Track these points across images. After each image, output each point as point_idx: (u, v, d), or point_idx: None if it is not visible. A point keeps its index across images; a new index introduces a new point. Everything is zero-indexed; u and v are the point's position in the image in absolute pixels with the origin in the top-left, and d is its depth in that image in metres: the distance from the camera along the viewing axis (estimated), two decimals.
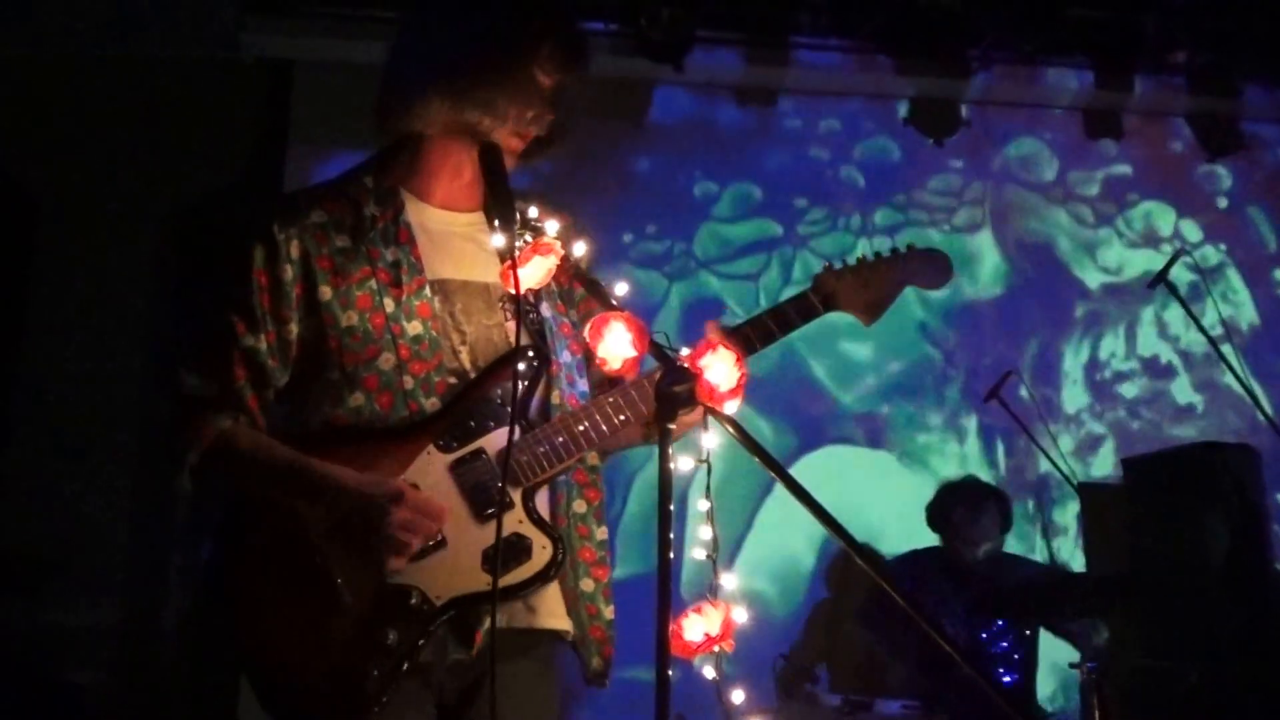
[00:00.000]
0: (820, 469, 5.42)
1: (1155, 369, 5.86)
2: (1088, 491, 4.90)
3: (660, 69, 5.42)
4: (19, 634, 4.29)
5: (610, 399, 2.18)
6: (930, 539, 4.82)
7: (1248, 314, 6.04)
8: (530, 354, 2.17)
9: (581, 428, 2.16)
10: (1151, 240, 6.03)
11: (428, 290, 2.19)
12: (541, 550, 2.10)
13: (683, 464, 2.24)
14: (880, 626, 4.55)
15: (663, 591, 2.08)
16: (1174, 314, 5.79)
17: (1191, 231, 6.10)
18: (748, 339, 2.26)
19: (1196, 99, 5.94)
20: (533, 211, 2.35)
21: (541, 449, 2.14)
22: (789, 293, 2.69)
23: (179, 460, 2.11)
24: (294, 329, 2.14)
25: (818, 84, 5.79)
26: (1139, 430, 5.70)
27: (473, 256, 2.26)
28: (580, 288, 2.35)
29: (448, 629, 2.09)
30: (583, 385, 2.33)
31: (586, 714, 4.51)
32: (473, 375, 2.18)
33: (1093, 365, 5.83)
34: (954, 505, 4.67)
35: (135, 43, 5.09)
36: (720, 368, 2.22)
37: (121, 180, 5.10)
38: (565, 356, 2.30)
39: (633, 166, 5.69)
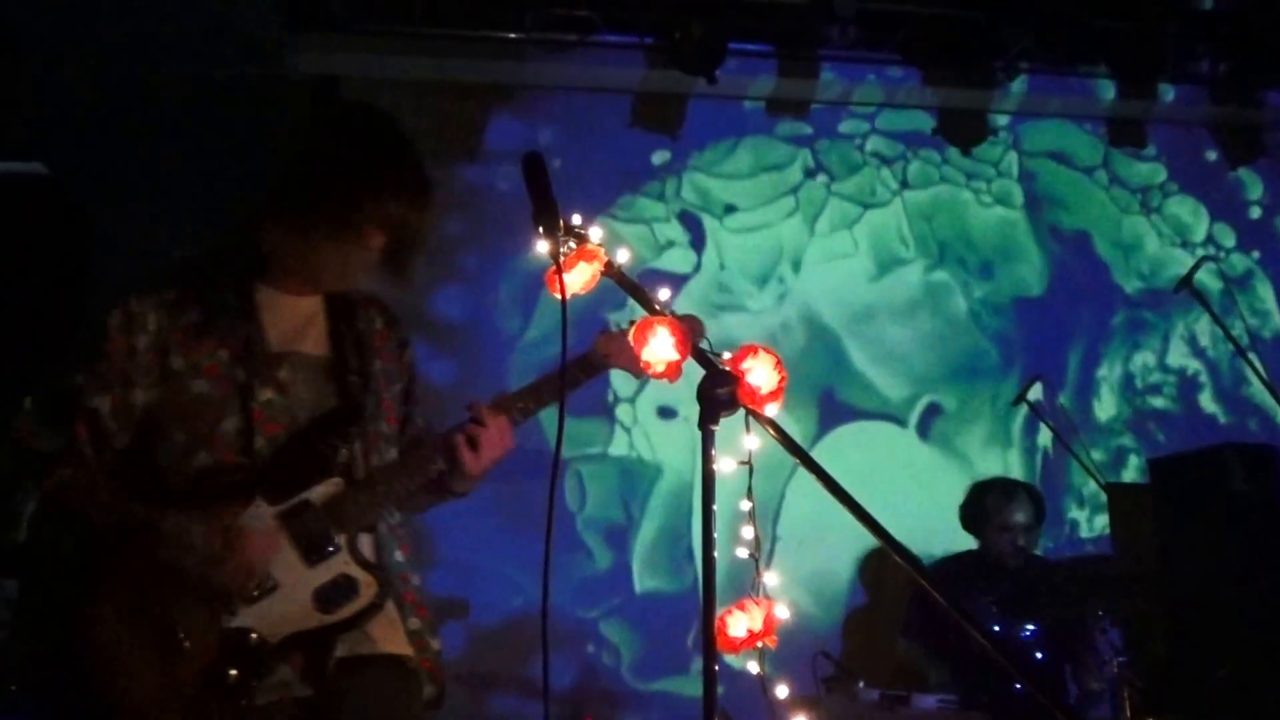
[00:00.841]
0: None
1: (1183, 379, 5.91)
2: (1115, 492, 4.93)
3: (693, 81, 5.51)
4: None
5: (413, 457, 2.46)
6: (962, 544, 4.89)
7: (1273, 323, 6.07)
8: (357, 417, 2.42)
9: (396, 482, 2.41)
10: (1185, 246, 6.07)
11: (277, 362, 2.39)
12: (367, 588, 2.31)
13: (724, 465, 2.33)
14: (922, 633, 4.61)
15: (708, 590, 2.17)
16: (1202, 324, 5.83)
17: (1225, 237, 6.13)
18: (515, 409, 2.50)
19: (1220, 108, 5.98)
20: (576, 218, 2.43)
21: (363, 497, 2.36)
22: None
23: (17, 510, 2.36)
24: (139, 394, 2.32)
25: (847, 96, 5.87)
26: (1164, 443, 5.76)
27: (314, 335, 2.47)
28: (405, 371, 2.62)
29: (293, 668, 2.28)
30: (391, 454, 2.53)
31: None
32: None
33: (1126, 373, 5.89)
34: (986, 497, 4.73)
35: (185, 61, 5.19)
36: (761, 370, 2.30)
37: (175, 197, 5.19)
38: (383, 427, 2.51)
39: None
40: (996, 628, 4.39)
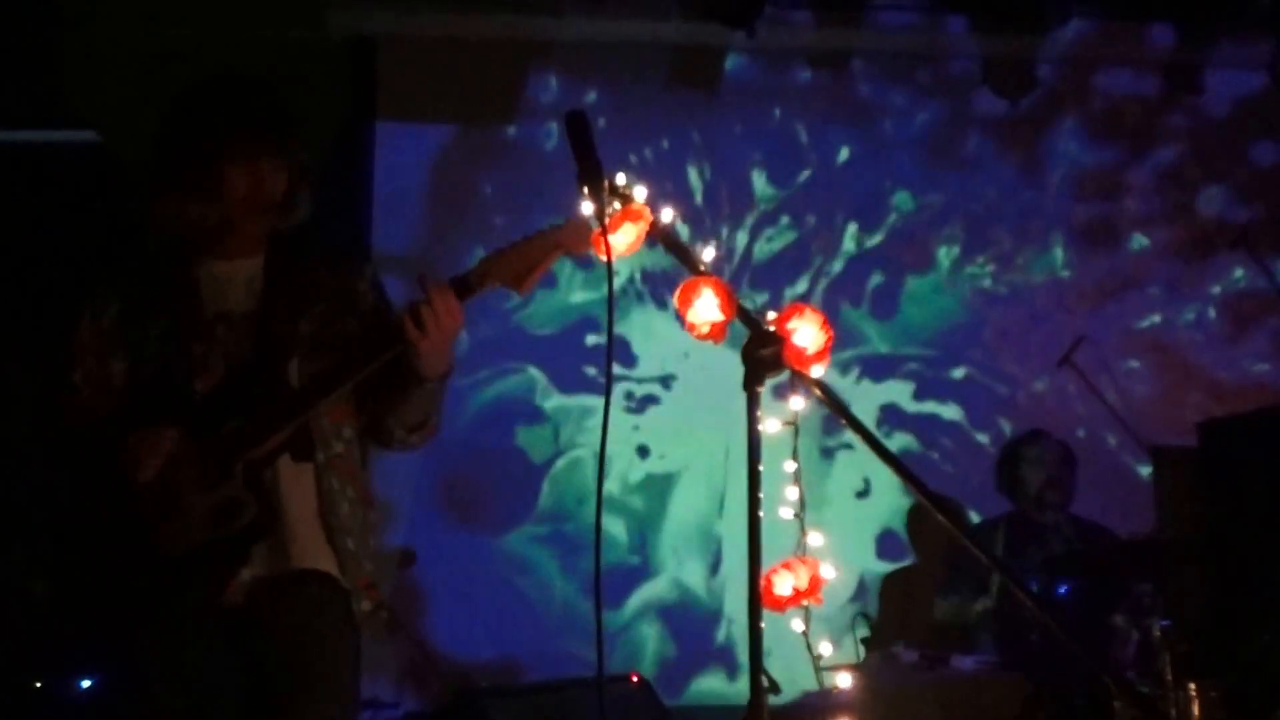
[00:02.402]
0: None
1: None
2: (1160, 454, 4.90)
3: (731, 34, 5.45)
4: None
5: (348, 354, 2.61)
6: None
7: None
8: (265, 359, 2.65)
9: (332, 382, 2.59)
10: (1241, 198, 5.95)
11: (213, 323, 2.68)
12: (248, 508, 2.54)
13: (770, 426, 2.32)
14: (961, 593, 4.61)
15: (752, 548, 2.18)
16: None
17: None
18: (464, 286, 2.59)
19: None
20: (620, 178, 2.42)
21: (267, 428, 2.57)
22: None
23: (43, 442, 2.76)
24: (114, 365, 2.71)
25: (891, 46, 5.79)
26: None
27: (247, 294, 2.72)
28: (365, 302, 2.77)
29: (206, 584, 2.57)
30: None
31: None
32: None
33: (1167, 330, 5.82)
34: (1016, 449, 4.73)
35: (224, 22, 5.19)
36: (807, 330, 2.29)
37: None
38: (324, 364, 2.65)
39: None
40: (1033, 587, 4.37)
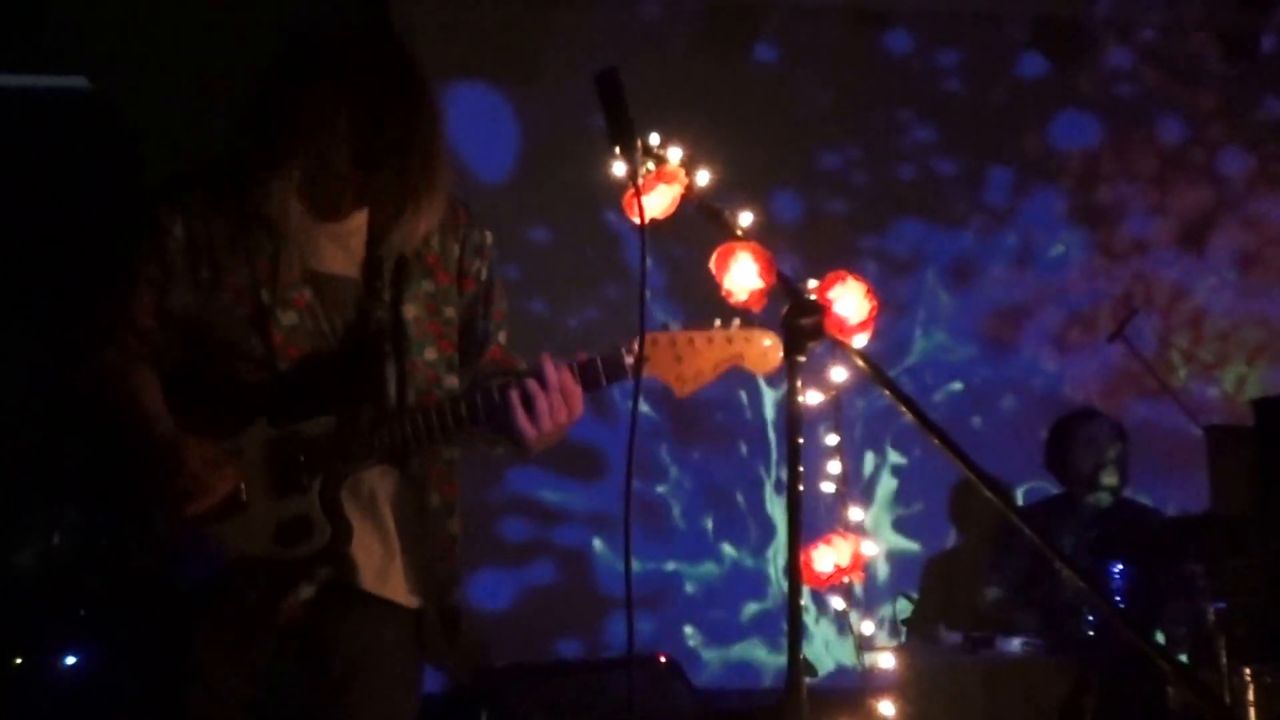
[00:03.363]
0: None
1: None
2: (1215, 434, 4.78)
3: None
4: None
5: (458, 405, 2.26)
6: None
7: None
8: (373, 347, 2.30)
9: (409, 431, 2.25)
10: None
11: (303, 283, 2.30)
12: (320, 535, 2.22)
13: (811, 398, 2.24)
14: (1007, 574, 4.51)
15: (792, 523, 2.10)
16: None
17: None
18: (590, 371, 2.26)
19: None
20: (654, 138, 2.33)
21: (354, 446, 2.24)
22: None
23: (65, 387, 2.33)
24: (177, 297, 2.27)
25: (932, 5, 5.64)
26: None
27: (347, 256, 2.34)
28: (471, 286, 2.43)
29: (255, 593, 2.24)
30: (451, 382, 2.37)
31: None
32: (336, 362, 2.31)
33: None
34: (1066, 426, 4.63)
35: None
36: (850, 300, 2.20)
37: (222, 108, 5.13)
38: (429, 355, 2.35)
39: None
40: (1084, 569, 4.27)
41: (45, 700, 4.13)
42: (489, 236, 2.45)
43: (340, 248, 2.33)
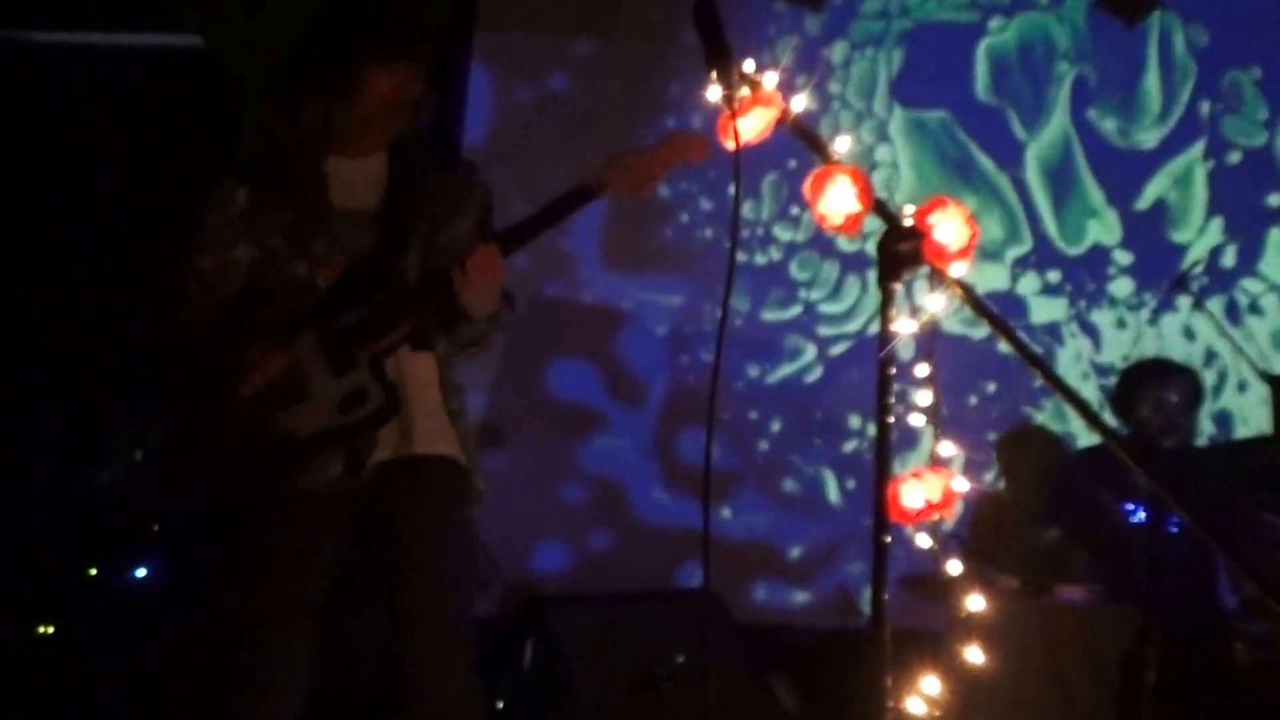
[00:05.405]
0: None
1: None
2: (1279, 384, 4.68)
3: None
4: None
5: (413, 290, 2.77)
6: None
7: None
8: (387, 253, 2.78)
9: (416, 311, 2.76)
10: None
11: (337, 219, 2.80)
12: (375, 396, 2.71)
13: (904, 326, 2.18)
14: (1064, 522, 4.44)
15: (880, 456, 2.06)
16: None
17: None
18: (507, 240, 2.74)
19: None
20: (749, 64, 2.31)
21: (389, 325, 2.73)
22: None
23: (158, 335, 2.87)
24: (240, 252, 2.81)
25: None
26: None
27: (372, 191, 2.84)
28: (476, 211, 2.90)
29: (338, 463, 2.72)
30: None
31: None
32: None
33: None
34: (1140, 371, 4.52)
35: None
36: (950, 225, 2.13)
37: None
38: (442, 264, 2.77)
39: None
40: (1142, 516, 4.20)
41: (114, 609, 4.43)
42: (480, 180, 2.97)
43: (364, 186, 2.83)
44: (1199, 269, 4.87)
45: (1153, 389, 4.44)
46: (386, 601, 2.72)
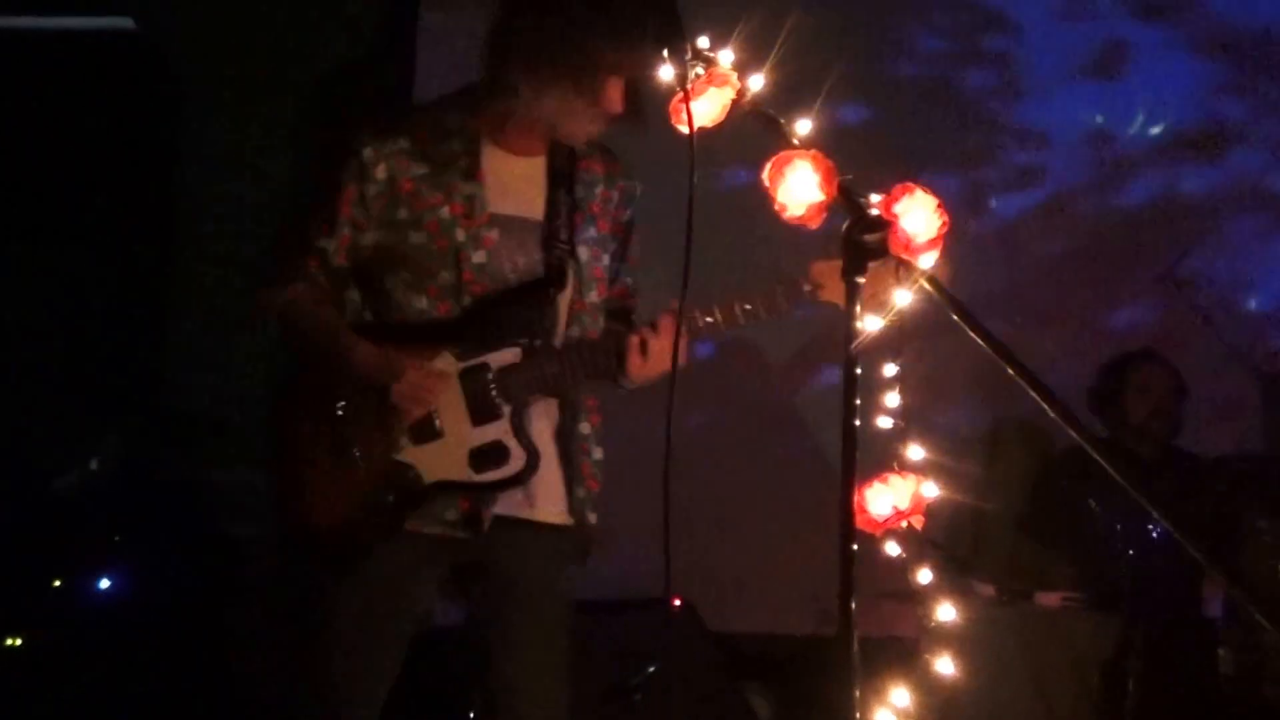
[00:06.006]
0: None
1: None
2: (1272, 381, 4.59)
3: None
4: (181, 488, 4.65)
5: (592, 349, 2.52)
6: None
7: None
8: (552, 283, 2.52)
9: (571, 365, 2.49)
10: None
11: (492, 224, 2.50)
12: (515, 460, 2.45)
13: (870, 324, 2.07)
14: (1045, 527, 4.34)
15: (847, 460, 1.94)
16: None
17: None
18: (707, 328, 2.51)
19: None
20: (703, 41, 2.24)
21: (534, 375, 2.47)
22: None
23: (262, 308, 2.56)
24: (368, 236, 2.50)
25: None
26: None
27: (531, 198, 2.55)
28: (621, 233, 2.66)
29: (457, 511, 2.48)
30: (599, 325, 2.62)
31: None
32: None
33: None
34: (1121, 367, 4.42)
35: None
36: (918, 214, 2.02)
37: (272, 56, 5.00)
38: (591, 298, 2.58)
39: None
40: (1118, 526, 4.10)
41: (80, 622, 4.30)
42: (639, 187, 2.68)
43: (524, 189, 2.54)
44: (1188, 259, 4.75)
45: (1137, 374, 4.35)
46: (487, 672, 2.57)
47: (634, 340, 2.45)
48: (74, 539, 4.39)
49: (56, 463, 4.56)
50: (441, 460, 2.44)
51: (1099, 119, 5.32)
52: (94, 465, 4.55)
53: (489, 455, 2.44)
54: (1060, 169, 5.25)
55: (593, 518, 2.61)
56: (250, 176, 4.95)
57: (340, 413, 2.45)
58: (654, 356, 2.44)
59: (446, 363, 2.44)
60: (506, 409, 2.44)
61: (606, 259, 2.62)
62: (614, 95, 2.46)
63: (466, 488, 2.45)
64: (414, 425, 2.44)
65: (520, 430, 2.45)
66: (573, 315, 2.55)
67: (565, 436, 2.57)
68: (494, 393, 2.44)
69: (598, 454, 2.60)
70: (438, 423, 2.45)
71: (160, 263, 4.98)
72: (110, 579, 4.34)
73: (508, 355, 2.45)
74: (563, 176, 2.55)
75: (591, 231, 2.57)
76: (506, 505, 2.50)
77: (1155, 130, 5.30)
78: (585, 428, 2.59)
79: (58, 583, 4.33)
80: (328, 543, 2.48)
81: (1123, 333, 5.06)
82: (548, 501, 2.55)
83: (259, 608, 4.43)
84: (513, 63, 2.45)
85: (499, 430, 2.44)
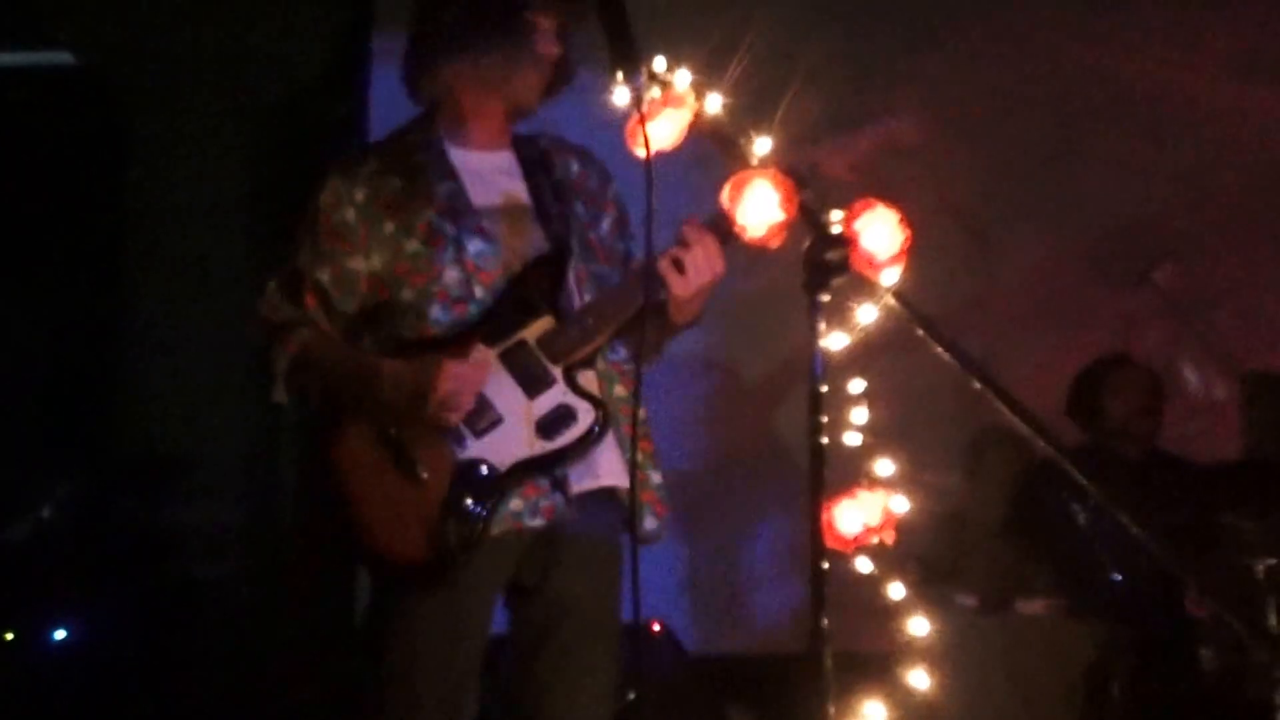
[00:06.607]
0: None
1: None
2: (1256, 381, 4.59)
3: None
4: (143, 531, 4.57)
5: (616, 289, 2.45)
6: None
7: None
8: (561, 253, 2.47)
9: (605, 313, 2.41)
10: None
11: (481, 214, 2.46)
12: (585, 414, 2.35)
13: (835, 341, 2.06)
14: (1026, 534, 4.32)
15: (814, 479, 1.95)
16: None
17: None
18: (724, 228, 2.34)
19: None
20: (659, 63, 2.26)
21: (574, 331, 2.39)
22: None
23: (272, 375, 2.46)
24: (358, 262, 2.45)
25: None
26: None
27: (512, 186, 2.52)
28: (611, 210, 2.59)
29: (524, 499, 2.36)
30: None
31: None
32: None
33: None
34: (1100, 372, 4.39)
35: None
36: (879, 230, 2.02)
37: (219, 86, 4.94)
38: (594, 266, 2.53)
39: None
40: (1101, 531, 4.10)
41: (34, 675, 4.25)
42: (612, 178, 2.64)
43: (502, 180, 2.51)
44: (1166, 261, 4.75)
45: (1116, 375, 4.34)
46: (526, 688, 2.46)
47: (664, 263, 2.32)
48: (27, 589, 4.32)
49: (6, 512, 4.46)
50: (509, 443, 2.35)
51: None
52: (45, 513, 4.45)
53: (556, 421, 2.36)
54: None
55: (656, 477, 2.51)
56: (201, 209, 4.88)
57: (394, 432, 2.36)
58: (690, 269, 2.32)
59: (480, 352, 2.37)
60: (557, 371, 2.37)
61: (604, 227, 2.58)
62: (546, 31, 2.45)
63: (544, 461, 2.36)
64: (470, 419, 2.34)
65: (578, 388, 2.38)
66: (581, 283, 2.49)
67: (606, 401, 2.48)
68: (542, 359, 2.37)
69: (641, 413, 2.45)
70: (493, 409, 2.36)
71: (108, 300, 4.90)
72: (65, 629, 4.26)
73: (542, 324, 2.39)
74: (535, 164, 2.54)
75: (579, 206, 2.54)
76: (576, 479, 2.41)
77: None
78: (620, 390, 2.49)
79: (9, 635, 4.25)
80: (420, 567, 2.36)
81: (1101, 339, 5.10)
82: (608, 466, 2.45)
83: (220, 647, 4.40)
84: (442, 43, 2.46)
85: (558, 394, 2.36)
